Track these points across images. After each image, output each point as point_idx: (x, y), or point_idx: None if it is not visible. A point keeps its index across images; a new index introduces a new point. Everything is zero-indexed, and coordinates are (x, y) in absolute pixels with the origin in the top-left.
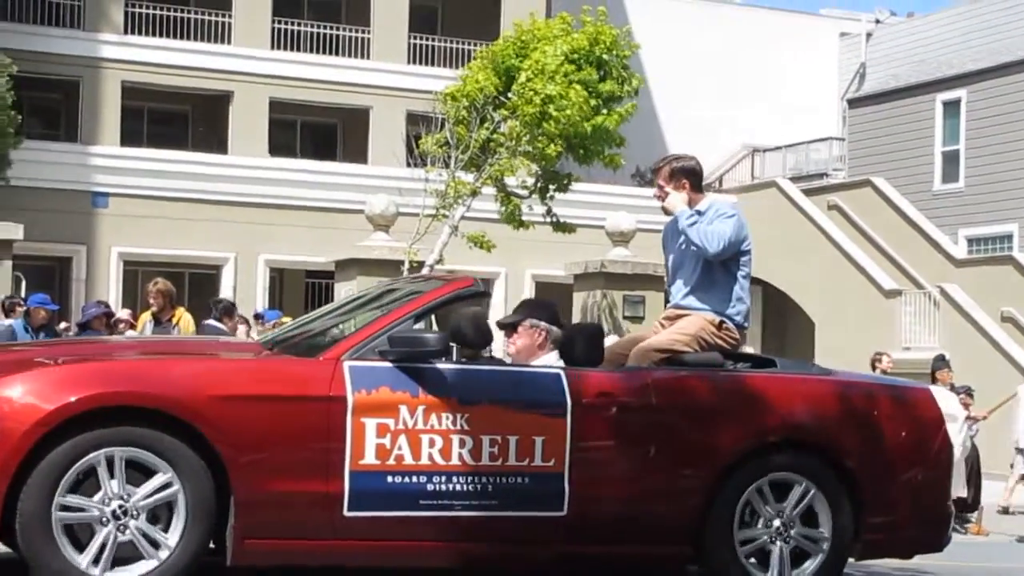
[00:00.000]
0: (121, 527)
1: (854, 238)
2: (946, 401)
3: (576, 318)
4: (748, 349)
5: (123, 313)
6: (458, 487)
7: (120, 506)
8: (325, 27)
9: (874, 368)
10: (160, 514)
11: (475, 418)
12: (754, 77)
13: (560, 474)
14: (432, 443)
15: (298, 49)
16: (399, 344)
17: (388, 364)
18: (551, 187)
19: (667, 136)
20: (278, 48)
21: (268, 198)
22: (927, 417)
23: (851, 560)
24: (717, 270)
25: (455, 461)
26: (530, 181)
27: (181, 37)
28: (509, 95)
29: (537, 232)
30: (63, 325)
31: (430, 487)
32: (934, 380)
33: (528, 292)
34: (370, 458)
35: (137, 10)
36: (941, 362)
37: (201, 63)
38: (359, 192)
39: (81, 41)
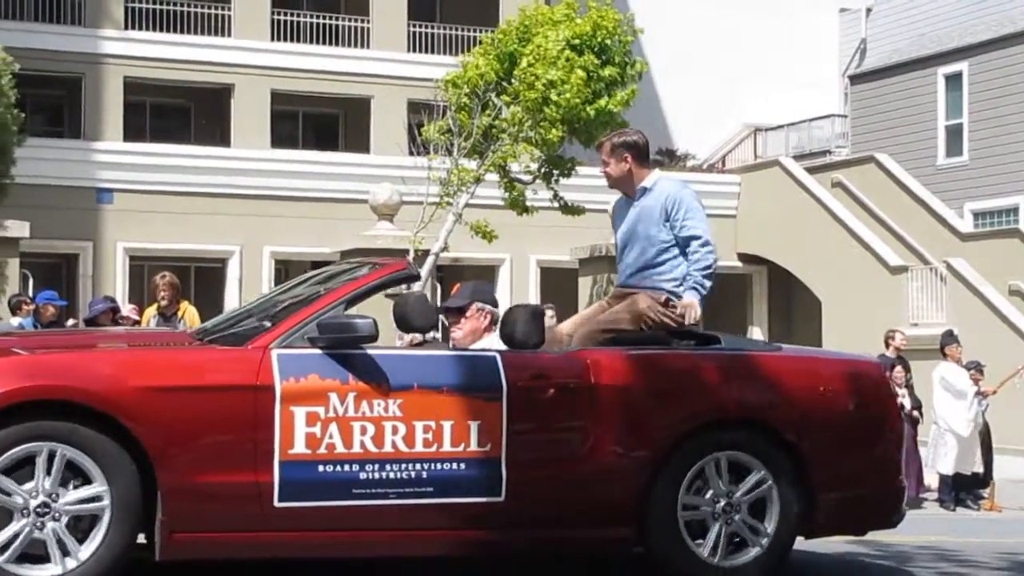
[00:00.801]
0: (39, 523)
1: (859, 215)
2: (956, 377)
3: (583, 303)
4: (755, 331)
5: (127, 309)
6: (392, 475)
7: (43, 503)
8: (324, 17)
9: (887, 346)
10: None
11: (407, 404)
12: (755, 56)
13: (497, 459)
14: (364, 431)
15: (298, 40)
16: (328, 330)
17: (318, 351)
18: (555, 172)
19: (669, 118)
20: (278, 40)
21: (272, 190)
22: (877, 391)
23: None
24: (665, 248)
25: (388, 448)
26: (533, 167)
27: (181, 31)
28: (511, 80)
29: (542, 218)
30: (71, 322)
31: (363, 475)
32: (944, 356)
33: (534, 278)
34: (300, 447)
35: (137, 5)
36: (950, 338)
37: (202, 56)
38: (362, 182)
39: (82, 38)
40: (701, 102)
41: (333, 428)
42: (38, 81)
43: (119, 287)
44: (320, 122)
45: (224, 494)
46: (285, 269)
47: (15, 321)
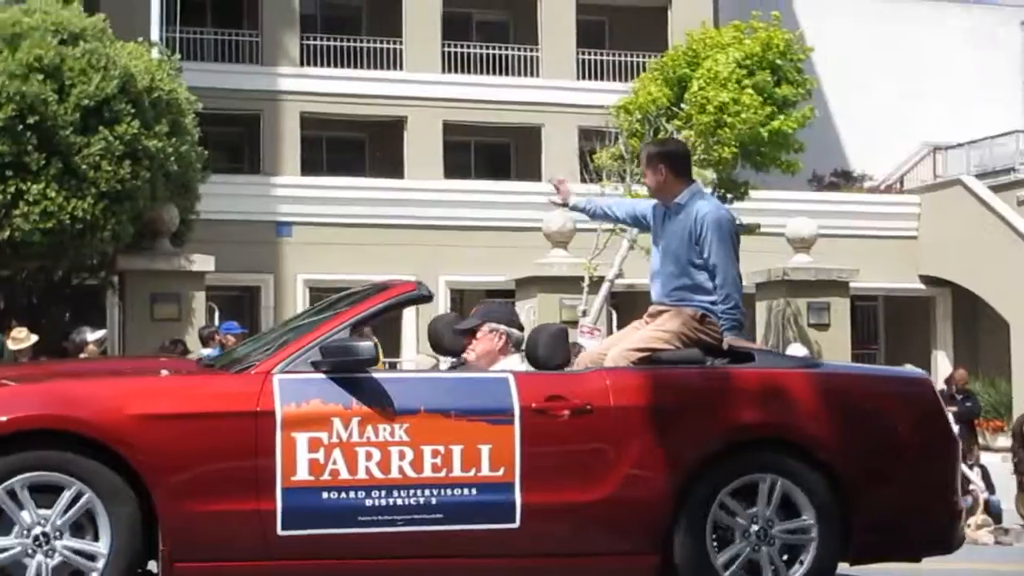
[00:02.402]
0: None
1: None
2: None
3: (760, 328)
4: (940, 355)
5: None
6: (399, 501)
7: (42, 532)
8: (494, 48)
9: None
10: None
11: (414, 428)
12: (932, 73)
13: (510, 484)
14: (369, 456)
15: (468, 71)
16: (331, 354)
17: (321, 376)
18: (728, 195)
19: (844, 138)
20: (449, 71)
21: (445, 220)
22: (925, 408)
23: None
24: (696, 270)
25: (395, 474)
26: (707, 190)
27: (355, 66)
28: (682, 105)
29: None
30: None
31: (369, 502)
32: None
33: None
34: (303, 474)
35: (312, 43)
36: None
37: (375, 90)
38: (535, 210)
39: (260, 76)
40: (877, 121)
41: (337, 454)
42: (219, 119)
43: None
44: (492, 151)
45: (225, 523)
46: (460, 298)
47: (206, 352)
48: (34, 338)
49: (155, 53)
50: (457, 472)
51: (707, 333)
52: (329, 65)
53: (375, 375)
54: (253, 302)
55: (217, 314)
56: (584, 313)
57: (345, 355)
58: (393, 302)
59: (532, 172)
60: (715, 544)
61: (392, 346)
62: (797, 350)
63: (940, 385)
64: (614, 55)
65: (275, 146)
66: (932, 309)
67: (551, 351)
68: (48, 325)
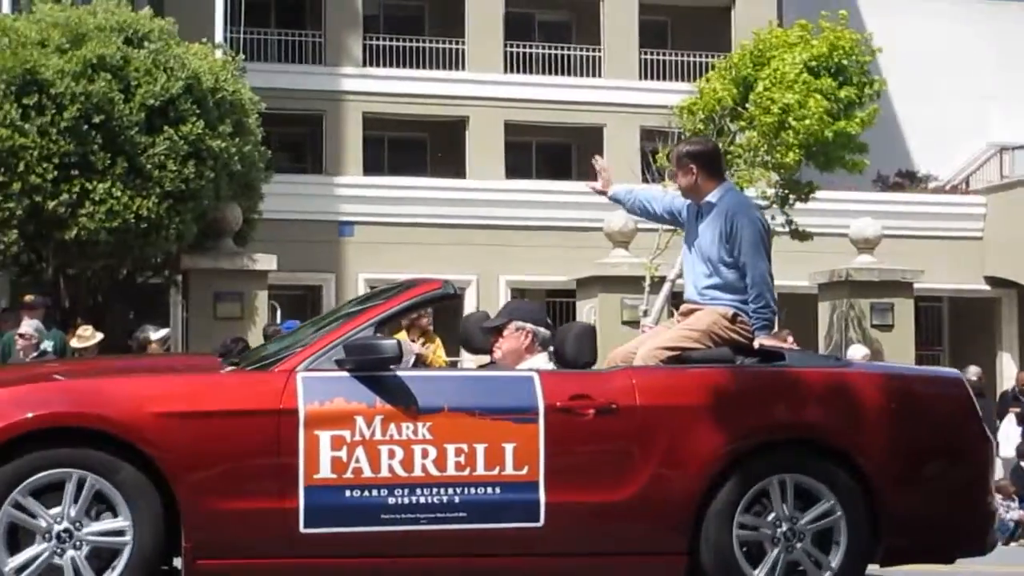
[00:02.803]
0: (77, 543)
1: None
2: None
3: (822, 329)
4: (1005, 356)
5: None
6: (422, 500)
7: (66, 529)
8: (556, 48)
9: None
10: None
11: (437, 427)
12: (997, 72)
13: (534, 483)
14: (392, 454)
15: (530, 71)
16: (354, 352)
17: (344, 374)
18: (791, 196)
19: (908, 138)
20: (511, 71)
21: (507, 220)
22: (958, 408)
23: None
24: (727, 268)
25: (418, 472)
26: (770, 191)
27: (417, 66)
28: (746, 106)
29: (778, 242)
30: None
31: (392, 501)
32: None
33: None
34: (326, 472)
35: (375, 43)
36: None
37: (437, 90)
38: (596, 210)
39: (323, 76)
40: (943, 122)
41: (360, 452)
42: (282, 119)
43: None
44: (553, 152)
45: (248, 520)
46: (521, 298)
47: None
48: (99, 336)
49: (219, 54)
50: (481, 471)
51: (738, 332)
52: (391, 65)
53: (399, 373)
54: (315, 301)
55: (279, 312)
56: (645, 313)
57: (368, 353)
58: (418, 300)
59: (593, 173)
60: (744, 548)
61: (455, 346)
62: (858, 351)
63: (1008, 385)
64: (677, 55)
65: (337, 146)
66: (997, 310)
67: (578, 350)
68: (113, 323)
